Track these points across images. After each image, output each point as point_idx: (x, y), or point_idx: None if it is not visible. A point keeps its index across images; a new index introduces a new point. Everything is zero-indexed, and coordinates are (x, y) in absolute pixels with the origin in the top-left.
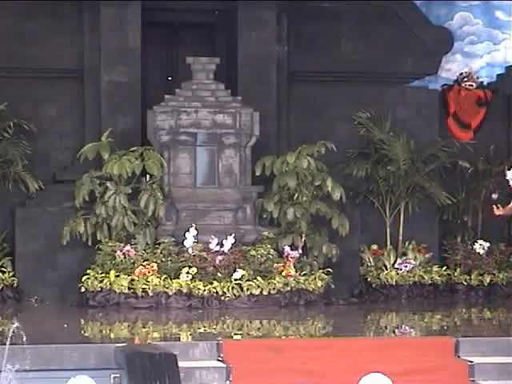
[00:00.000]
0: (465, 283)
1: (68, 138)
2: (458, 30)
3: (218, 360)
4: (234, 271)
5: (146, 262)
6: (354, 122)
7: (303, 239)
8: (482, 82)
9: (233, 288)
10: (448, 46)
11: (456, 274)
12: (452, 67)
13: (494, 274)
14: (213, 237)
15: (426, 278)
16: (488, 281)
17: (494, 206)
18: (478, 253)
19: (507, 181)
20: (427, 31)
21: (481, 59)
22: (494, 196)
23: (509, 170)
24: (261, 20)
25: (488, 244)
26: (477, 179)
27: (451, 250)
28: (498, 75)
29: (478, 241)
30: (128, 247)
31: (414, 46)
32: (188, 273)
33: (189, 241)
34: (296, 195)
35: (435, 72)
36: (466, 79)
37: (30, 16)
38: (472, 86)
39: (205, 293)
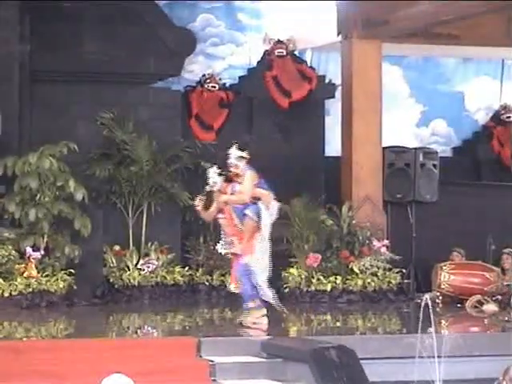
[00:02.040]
0: (207, 283)
1: None
2: (200, 32)
3: None
4: None
5: None
6: (96, 122)
7: (45, 240)
8: (224, 84)
9: None
10: (191, 47)
11: (198, 275)
12: (195, 68)
13: None
14: None
15: (169, 278)
16: (229, 281)
17: (197, 202)
18: (220, 253)
19: (207, 179)
20: (170, 32)
21: (223, 61)
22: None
23: (211, 167)
24: (2, 19)
25: None
26: None
27: (193, 251)
28: (240, 77)
29: (220, 241)
30: None
31: (157, 47)
32: None
33: None
34: (38, 196)
35: (178, 73)
36: (208, 81)
37: None
38: (214, 87)
39: None
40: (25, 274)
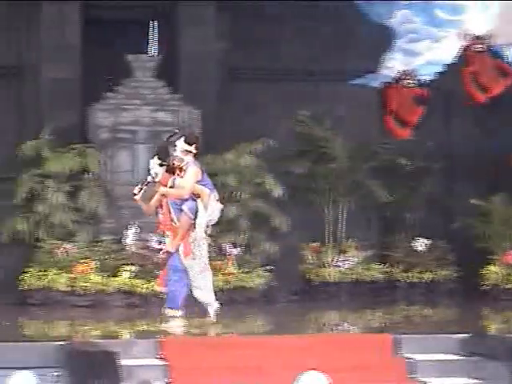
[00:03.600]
0: (405, 280)
1: (7, 136)
2: (398, 28)
3: (158, 358)
4: None
5: (86, 260)
6: (294, 119)
7: (244, 237)
8: (421, 80)
9: None
10: (389, 43)
11: (396, 272)
12: (392, 65)
13: (434, 272)
14: (153, 234)
15: (366, 275)
16: (428, 278)
17: (136, 191)
18: (418, 250)
19: (149, 170)
20: (368, 29)
21: (420, 57)
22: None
23: (152, 158)
24: (201, 18)
25: (428, 241)
26: (416, 176)
27: (391, 248)
28: (437, 73)
29: (418, 238)
30: (68, 245)
31: (355, 44)
32: (128, 270)
33: (129, 238)
34: (236, 193)
35: (376, 70)
36: (405, 77)
37: None
38: (411, 83)
39: (145, 291)
40: (224, 271)
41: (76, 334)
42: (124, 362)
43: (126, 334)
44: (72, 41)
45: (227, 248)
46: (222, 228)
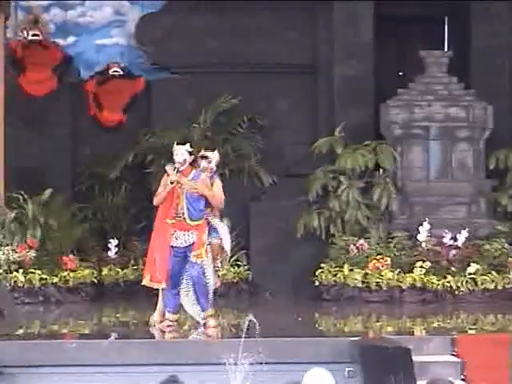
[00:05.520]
0: None
1: (301, 133)
2: None
3: (452, 355)
4: (468, 265)
5: (379, 256)
6: None
7: None
8: None
9: (467, 282)
10: None
11: None
12: None
13: None
14: (446, 231)
15: None
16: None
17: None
18: None
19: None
20: None
21: None
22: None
23: (184, 144)
24: (493, 12)
25: None
26: None
27: None
28: None
29: None
30: (361, 241)
31: None
32: (422, 267)
33: (422, 235)
34: None
35: None
36: None
37: (263, 11)
38: None
39: (438, 287)
40: None
41: (369, 330)
42: (417, 358)
43: (419, 331)
44: (364, 38)
45: None
46: None
